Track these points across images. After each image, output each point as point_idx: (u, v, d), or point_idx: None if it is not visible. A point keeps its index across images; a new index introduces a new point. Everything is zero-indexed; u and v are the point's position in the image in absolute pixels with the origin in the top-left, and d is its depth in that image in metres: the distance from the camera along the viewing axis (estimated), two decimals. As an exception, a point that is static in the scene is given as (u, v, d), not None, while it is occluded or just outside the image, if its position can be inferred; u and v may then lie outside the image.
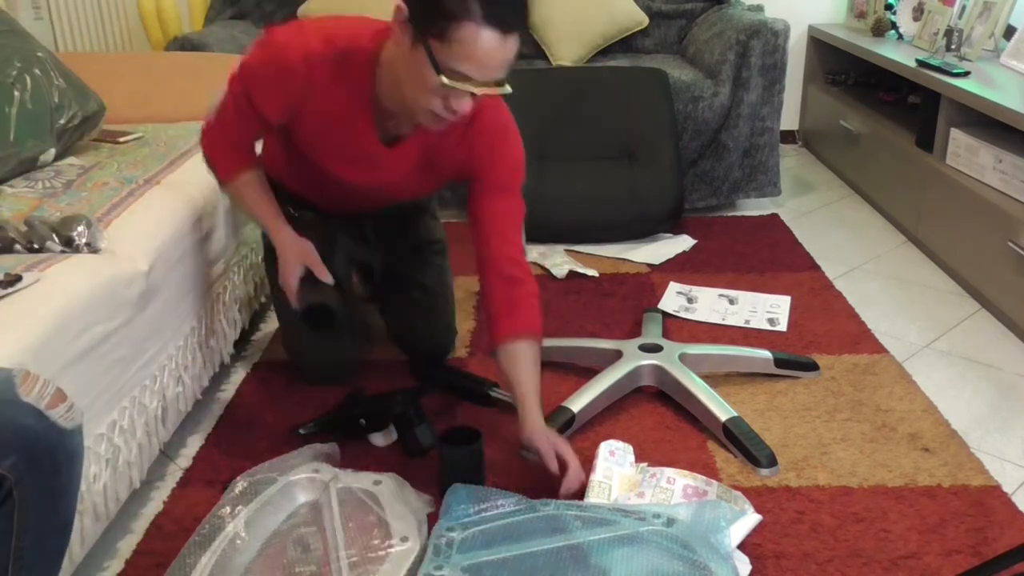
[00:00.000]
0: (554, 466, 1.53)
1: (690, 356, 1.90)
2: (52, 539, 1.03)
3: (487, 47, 1.37)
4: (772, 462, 1.64)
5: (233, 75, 1.65)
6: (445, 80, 1.39)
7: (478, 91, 1.43)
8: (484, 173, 1.67)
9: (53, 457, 0.98)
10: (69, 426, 1.00)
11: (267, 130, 1.72)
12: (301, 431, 1.76)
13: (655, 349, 1.90)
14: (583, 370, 1.95)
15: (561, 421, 1.71)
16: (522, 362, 1.60)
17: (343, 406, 1.82)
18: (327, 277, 1.70)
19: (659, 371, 1.85)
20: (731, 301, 2.34)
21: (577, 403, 1.74)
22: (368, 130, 1.62)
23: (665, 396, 1.86)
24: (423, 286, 2.00)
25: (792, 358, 1.97)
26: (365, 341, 2.10)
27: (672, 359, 1.86)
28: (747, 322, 2.22)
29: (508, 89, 1.47)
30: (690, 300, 2.34)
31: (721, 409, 1.73)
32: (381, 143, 1.64)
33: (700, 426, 1.77)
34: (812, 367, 1.97)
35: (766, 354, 1.94)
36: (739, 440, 1.68)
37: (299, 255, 1.71)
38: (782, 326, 2.19)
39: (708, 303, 2.33)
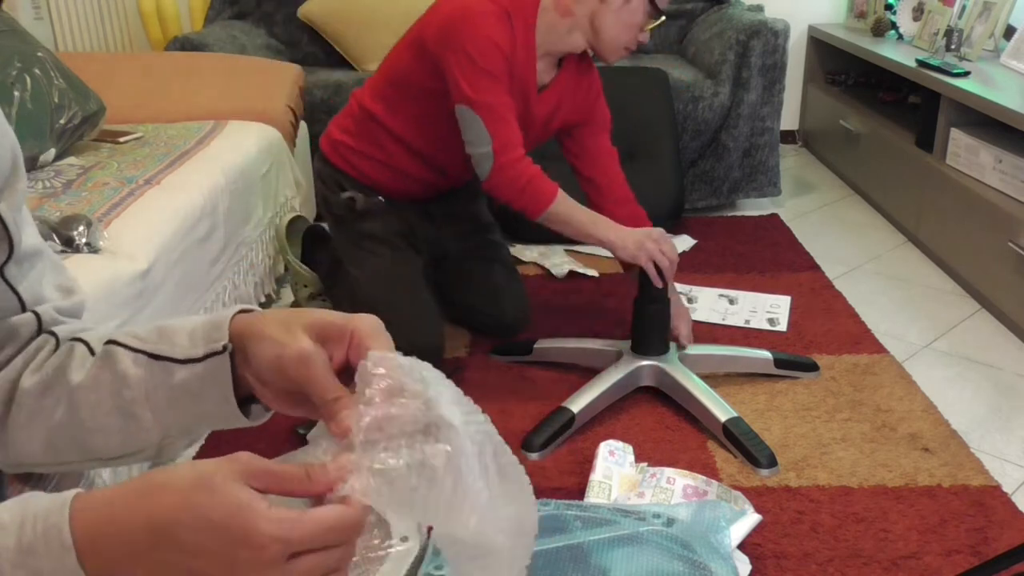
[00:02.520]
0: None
1: (690, 356, 1.90)
2: None
3: None
4: (772, 462, 1.64)
5: (469, 92, 1.73)
6: (655, 23, 1.83)
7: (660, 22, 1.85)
8: (594, 115, 1.99)
9: None
10: None
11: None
12: (301, 431, 1.76)
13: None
14: (583, 370, 1.95)
15: (561, 422, 1.71)
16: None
17: None
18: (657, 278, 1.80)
19: (659, 372, 1.85)
20: (731, 301, 2.34)
21: (577, 403, 1.75)
22: (532, 74, 1.83)
23: (665, 396, 1.85)
24: (501, 262, 2.15)
25: (792, 358, 1.97)
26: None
27: (672, 360, 1.86)
28: (747, 322, 2.22)
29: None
30: (690, 300, 2.34)
31: (721, 409, 1.73)
32: (536, 90, 1.86)
33: (700, 426, 1.77)
34: (812, 367, 1.97)
35: (766, 354, 1.94)
36: (739, 440, 1.67)
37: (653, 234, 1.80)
38: (782, 326, 2.19)
39: (708, 303, 2.33)
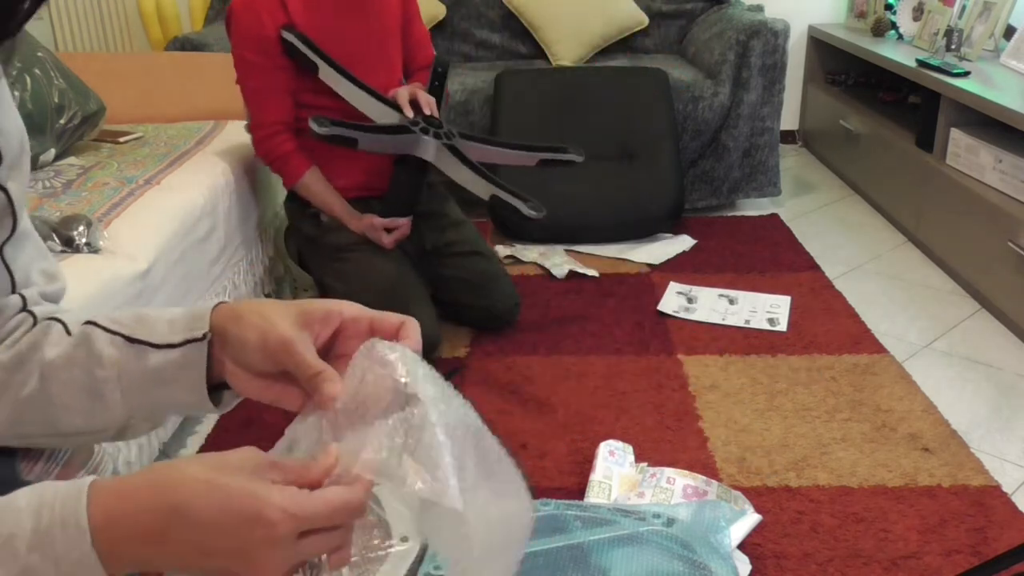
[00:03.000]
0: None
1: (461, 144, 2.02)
2: None
3: None
4: (540, 208, 1.96)
5: (238, 81, 1.97)
6: None
7: None
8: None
9: None
10: None
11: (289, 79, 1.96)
12: None
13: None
14: (582, 370, 1.94)
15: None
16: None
17: None
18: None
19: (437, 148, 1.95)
20: (731, 301, 2.34)
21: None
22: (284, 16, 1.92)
23: (665, 395, 1.85)
24: (482, 253, 2.20)
25: (550, 149, 2.15)
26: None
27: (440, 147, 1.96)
28: (747, 322, 2.22)
29: None
30: (690, 300, 2.34)
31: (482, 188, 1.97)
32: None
33: (700, 426, 1.77)
34: (564, 151, 2.14)
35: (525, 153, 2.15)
36: (504, 202, 1.95)
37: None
38: (782, 326, 2.19)
39: (708, 303, 2.33)
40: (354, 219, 2.02)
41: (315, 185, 2.01)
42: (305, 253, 2.16)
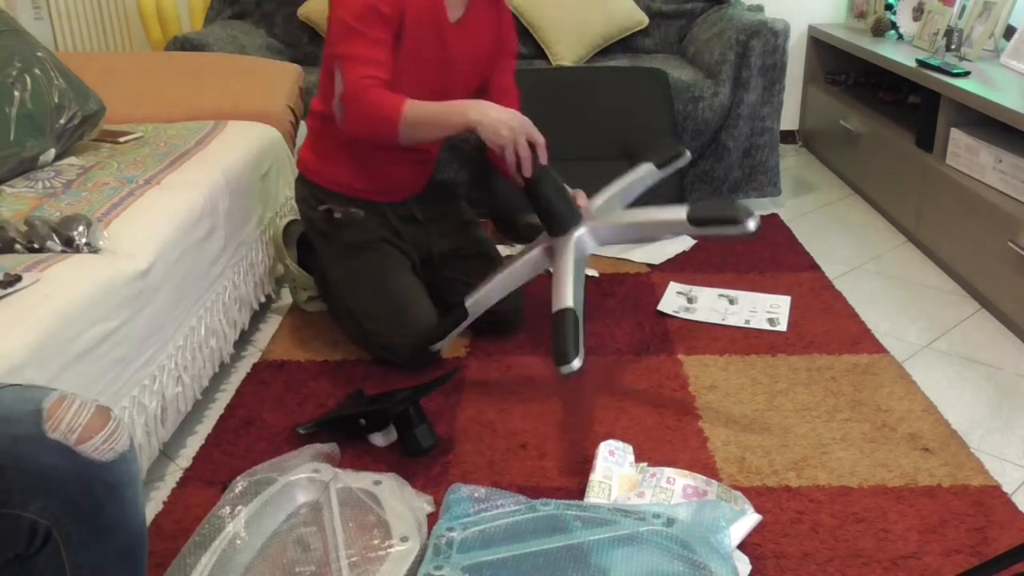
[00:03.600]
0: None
1: (600, 207, 1.89)
2: (117, 566, 0.94)
3: None
4: (749, 212, 1.59)
5: (342, 17, 1.79)
6: None
7: None
8: (505, 47, 2.06)
9: (91, 494, 0.89)
10: (107, 458, 0.90)
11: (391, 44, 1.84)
12: (301, 431, 1.76)
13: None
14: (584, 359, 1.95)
15: (571, 321, 1.60)
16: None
17: (343, 406, 1.83)
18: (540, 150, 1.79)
19: (595, 232, 1.80)
20: (731, 301, 2.34)
21: (566, 299, 1.64)
22: (441, 10, 1.87)
23: (664, 395, 1.86)
24: (488, 258, 2.17)
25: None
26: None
27: (593, 217, 1.83)
28: (747, 322, 2.22)
29: None
30: (690, 300, 2.34)
31: (676, 211, 1.69)
32: (449, 22, 1.89)
33: (700, 426, 1.77)
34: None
35: (648, 166, 2.00)
36: (710, 218, 1.64)
37: (522, 122, 1.76)
38: (782, 326, 2.19)
39: (708, 303, 2.33)
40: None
41: (420, 106, 1.78)
42: (315, 245, 2.15)
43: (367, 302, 2.00)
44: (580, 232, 1.80)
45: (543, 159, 1.77)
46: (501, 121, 1.73)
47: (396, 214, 2.09)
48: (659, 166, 2.02)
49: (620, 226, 1.80)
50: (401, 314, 1.96)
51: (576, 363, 1.54)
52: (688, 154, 2.07)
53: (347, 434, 1.74)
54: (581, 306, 1.66)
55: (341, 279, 2.06)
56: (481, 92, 2.06)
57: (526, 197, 1.82)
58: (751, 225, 1.59)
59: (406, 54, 1.86)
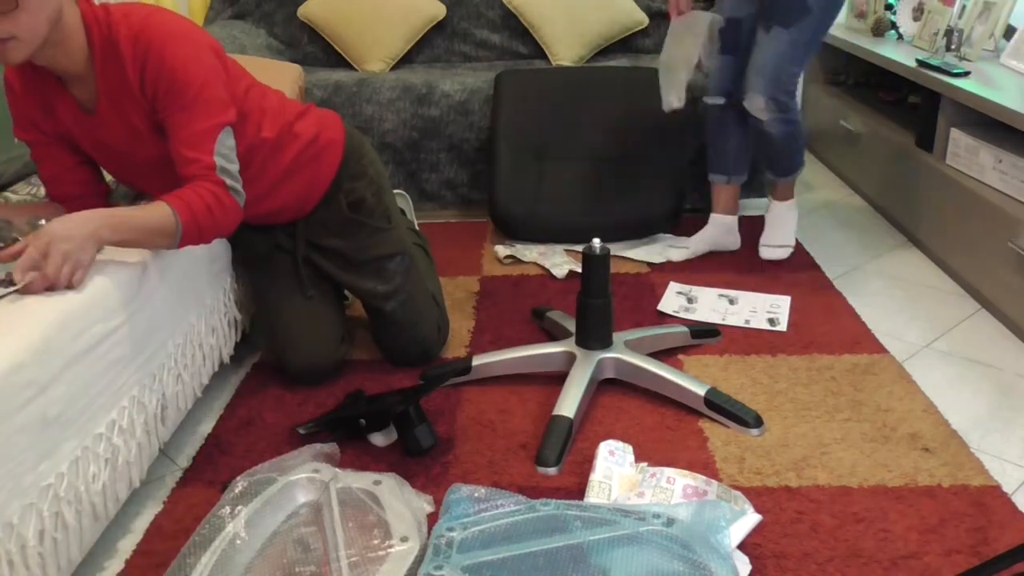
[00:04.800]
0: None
1: (632, 341, 1.96)
2: None
3: None
4: (759, 422, 1.75)
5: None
6: None
7: None
8: (157, 90, 1.56)
9: None
10: None
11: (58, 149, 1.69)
12: (301, 431, 1.76)
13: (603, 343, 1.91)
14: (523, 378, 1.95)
15: (564, 430, 1.70)
16: (146, 207, 1.51)
17: (343, 406, 1.83)
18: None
19: (618, 362, 1.88)
20: (731, 301, 2.34)
21: (568, 408, 1.74)
22: (71, 104, 1.62)
23: (663, 394, 1.85)
24: (393, 298, 1.98)
25: (701, 329, 2.14)
26: (348, 344, 2.08)
27: (621, 348, 1.90)
28: (747, 322, 2.22)
29: (13, 4, 1.38)
30: (690, 300, 2.34)
31: (696, 385, 1.81)
32: (82, 113, 1.62)
33: (700, 426, 1.77)
34: (715, 334, 2.15)
35: (683, 329, 2.11)
36: (723, 408, 1.76)
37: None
38: (782, 326, 2.19)
39: (708, 303, 2.33)
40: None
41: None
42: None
43: (261, 319, 2.00)
44: (605, 356, 1.88)
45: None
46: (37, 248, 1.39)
47: (281, 231, 1.98)
48: (692, 336, 2.12)
49: (641, 370, 1.87)
50: (281, 351, 1.96)
51: (553, 470, 1.64)
52: (720, 335, 2.16)
53: (347, 434, 1.74)
54: (579, 420, 1.75)
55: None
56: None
57: (578, 301, 1.89)
58: (754, 432, 1.74)
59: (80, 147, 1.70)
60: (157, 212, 1.50)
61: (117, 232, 1.44)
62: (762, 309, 2.29)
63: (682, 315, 2.26)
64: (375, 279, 1.97)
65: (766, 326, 2.20)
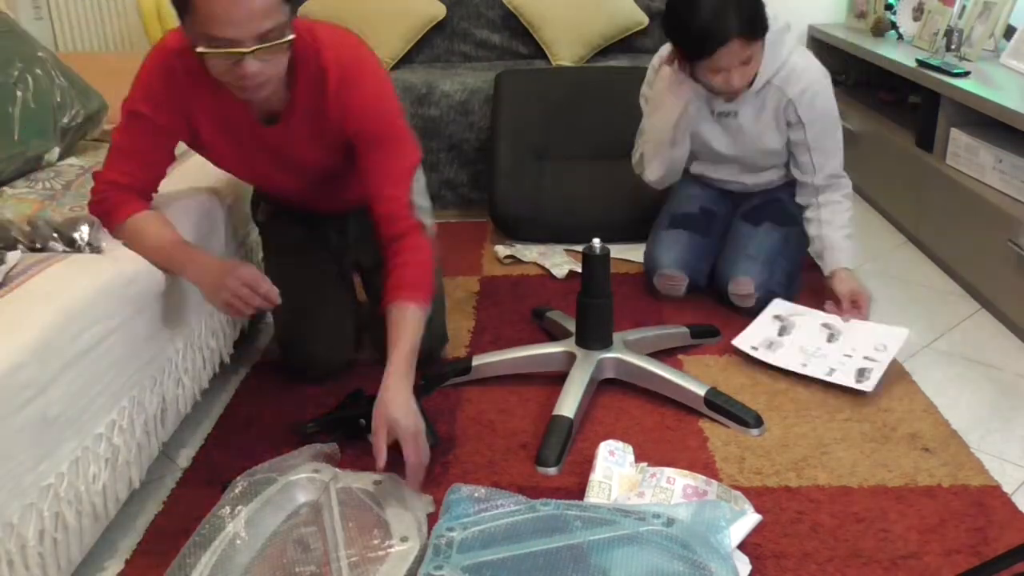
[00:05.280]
0: (378, 453, 1.47)
1: (632, 341, 1.96)
2: None
3: (221, 4, 1.37)
4: (759, 422, 1.76)
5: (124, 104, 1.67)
6: (202, 49, 1.41)
7: (246, 50, 1.41)
8: (361, 124, 1.64)
9: None
10: None
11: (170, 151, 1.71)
12: (301, 430, 1.77)
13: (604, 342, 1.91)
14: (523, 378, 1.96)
15: (564, 430, 1.70)
16: (401, 325, 1.58)
17: (343, 406, 1.82)
18: (272, 293, 1.59)
19: (618, 362, 1.88)
20: (831, 336, 2.03)
21: (568, 408, 1.74)
22: (245, 113, 1.65)
23: (663, 394, 1.85)
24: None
25: (701, 328, 2.13)
26: (357, 341, 2.09)
27: (621, 349, 1.90)
28: (831, 373, 1.90)
29: (287, 38, 1.46)
30: (782, 331, 2.04)
31: (696, 385, 1.80)
32: (260, 123, 1.66)
33: (700, 426, 1.77)
34: (715, 333, 2.13)
35: (684, 329, 2.10)
36: (724, 408, 1.76)
37: (238, 277, 1.57)
38: (871, 381, 1.85)
39: (804, 334, 2.02)
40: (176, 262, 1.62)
41: (135, 232, 1.62)
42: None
43: (283, 317, 1.99)
44: (605, 356, 1.87)
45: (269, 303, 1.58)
46: (214, 286, 1.57)
47: (330, 224, 2.03)
48: (692, 336, 2.11)
49: (641, 369, 1.87)
50: (308, 344, 1.95)
51: (553, 470, 1.65)
52: (720, 335, 2.14)
53: (347, 434, 1.74)
54: (579, 420, 1.75)
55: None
56: (348, 175, 1.79)
57: (578, 301, 1.88)
58: (754, 432, 1.74)
59: (210, 149, 1.75)
60: (414, 321, 1.59)
61: (413, 368, 1.57)
62: (861, 351, 1.97)
63: (756, 355, 1.98)
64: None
65: (851, 382, 1.87)
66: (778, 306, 2.16)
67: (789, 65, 2.12)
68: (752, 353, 1.98)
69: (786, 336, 2.05)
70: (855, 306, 2.12)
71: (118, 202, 1.63)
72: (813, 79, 2.13)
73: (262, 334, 2.25)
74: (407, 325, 1.57)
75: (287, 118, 1.65)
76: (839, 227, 2.22)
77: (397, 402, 1.51)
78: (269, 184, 1.89)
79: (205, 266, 1.61)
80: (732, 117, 2.20)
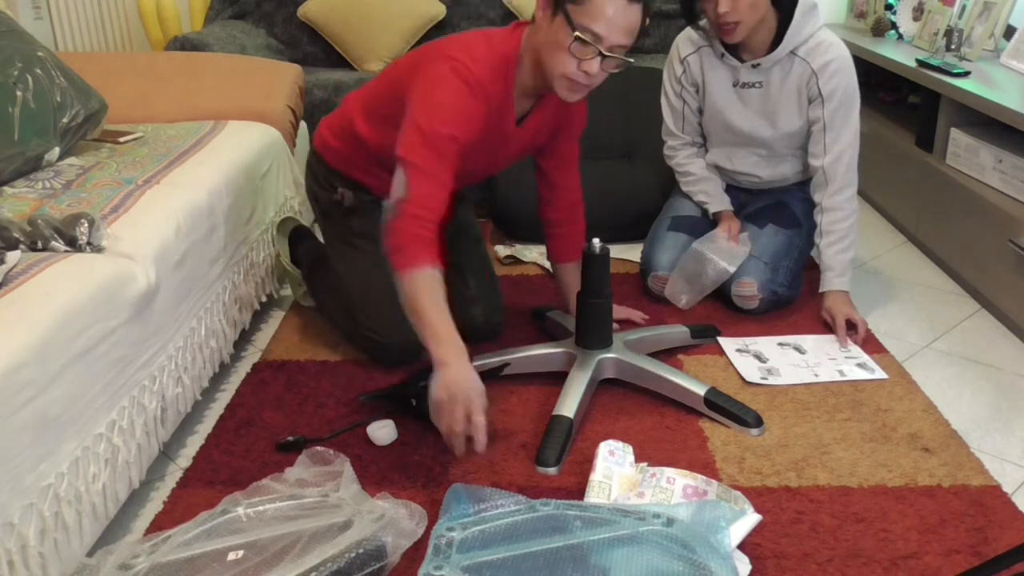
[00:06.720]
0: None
1: (632, 341, 1.96)
2: None
3: (615, 7, 1.61)
4: (759, 421, 1.75)
5: (419, 123, 1.66)
6: (578, 34, 1.61)
7: (606, 52, 1.63)
8: (571, 123, 1.99)
9: None
10: None
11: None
12: (362, 399, 1.86)
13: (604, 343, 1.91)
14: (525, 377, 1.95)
15: (564, 430, 1.70)
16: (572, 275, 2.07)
17: (405, 383, 1.86)
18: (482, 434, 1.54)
19: (618, 362, 1.88)
20: (798, 350, 2.07)
21: (568, 408, 1.74)
22: (510, 114, 1.82)
23: (663, 394, 1.85)
24: (478, 266, 2.15)
25: (701, 328, 2.14)
26: None
27: (621, 349, 1.90)
28: (841, 374, 1.96)
29: (632, 60, 1.69)
30: (760, 359, 2.03)
31: (696, 384, 1.80)
32: (515, 124, 1.85)
33: (700, 425, 1.77)
34: (716, 333, 2.14)
35: (683, 329, 2.10)
36: (724, 408, 1.76)
37: (469, 395, 1.53)
38: (879, 371, 1.97)
39: (781, 358, 2.03)
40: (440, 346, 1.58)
41: (418, 291, 1.61)
42: (320, 223, 2.14)
43: (363, 292, 1.99)
44: (605, 356, 1.87)
45: (478, 444, 1.52)
46: (440, 400, 1.53)
47: None
48: (692, 336, 2.11)
49: (641, 370, 1.87)
50: (394, 311, 1.94)
51: (553, 470, 1.64)
52: (720, 335, 2.16)
53: (400, 409, 1.80)
54: (579, 420, 1.75)
55: (340, 264, 2.05)
56: (533, 157, 2.07)
57: (578, 301, 1.89)
58: (754, 432, 1.74)
59: (465, 150, 1.76)
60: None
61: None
62: (840, 355, 2.05)
63: (770, 381, 1.94)
64: (468, 252, 2.16)
65: (864, 375, 1.95)
66: (728, 343, 2.10)
67: (816, 38, 2.13)
68: (763, 383, 1.93)
69: (770, 362, 2.02)
70: (852, 330, 2.11)
71: (420, 243, 1.62)
72: (838, 54, 2.13)
73: (262, 334, 2.25)
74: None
75: (532, 118, 1.88)
76: (835, 241, 2.19)
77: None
78: (476, 172, 1.95)
79: (450, 376, 1.54)
80: (755, 88, 2.20)
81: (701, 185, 2.40)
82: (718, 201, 2.37)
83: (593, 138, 2.83)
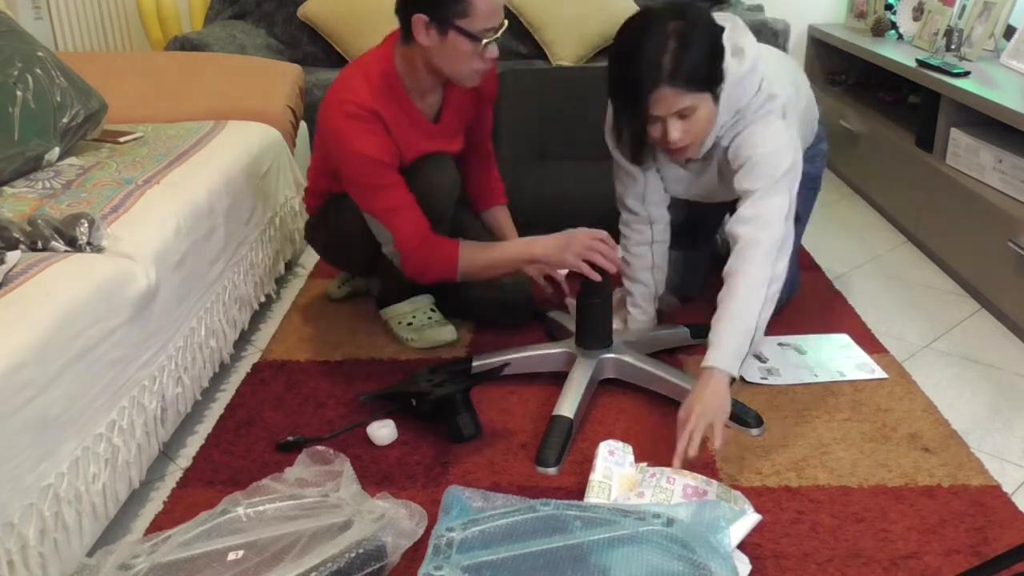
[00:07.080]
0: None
1: (632, 341, 1.96)
2: None
3: (493, 1, 1.75)
4: (759, 422, 1.75)
5: (363, 204, 1.88)
6: (485, 41, 1.76)
7: (500, 35, 1.79)
8: (486, 89, 2.04)
9: None
10: None
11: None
12: (362, 399, 1.86)
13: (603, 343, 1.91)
14: (526, 377, 1.95)
15: (564, 430, 1.70)
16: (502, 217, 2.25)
17: (406, 381, 1.88)
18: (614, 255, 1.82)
19: (618, 362, 1.88)
20: (799, 351, 2.06)
21: (568, 409, 1.74)
22: (417, 116, 1.91)
23: (663, 394, 1.86)
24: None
25: (702, 327, 1.91)
26: None
27: (622, 348, 1.90)
28: (841, 374, 1.95)
29: (506, 22, 1.81)
30: (761, 359, 2.03)
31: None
32: (431, 122, 1.95)
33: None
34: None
35: (684, 329, 2.09)
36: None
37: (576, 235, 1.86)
38: (880, 371, 1.97)
39: (782, 359, 2.02)
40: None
41: (475, 253, 1.90)
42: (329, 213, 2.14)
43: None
44: (605, 356, 1.88)
45: (610, 267, 1.81)
46: (562, 247, 1.83)
47: None
48: (692, 336, 2.10)
49: (641, 370, 1.87)
50: (423, 173, 1.93)
51: (553, 470, 1.64)
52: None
53: (401, 409, 1.80)
54: (579, 420, 1.76)
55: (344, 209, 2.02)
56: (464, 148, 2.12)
57: (578, 301, 1.89)
58: (754, 432, 1.75)
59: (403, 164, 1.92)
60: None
61: None
62: (840, 355, 2.04)
63: (770, 381, 1.94)
64: (483, 239, 2.17)
65: (866, 375, 1.95)
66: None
67: (739, 128, 1.75)
68: (763, 383, 1.92)
69: (770, 362, 2.01)
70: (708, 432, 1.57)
71: (433, 250, 1.87)
72: (755, 151, 1.72)
73: (262, 334, 2.25)
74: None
75: (445, 113, 1.98)
76: (736, 311, 1.68)
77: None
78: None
79: (546, 240, 1.88)
80: (702, 161, 1.89)
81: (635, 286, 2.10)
82: (640, 312, 2.10)
83: (593, 138, 2.83)
